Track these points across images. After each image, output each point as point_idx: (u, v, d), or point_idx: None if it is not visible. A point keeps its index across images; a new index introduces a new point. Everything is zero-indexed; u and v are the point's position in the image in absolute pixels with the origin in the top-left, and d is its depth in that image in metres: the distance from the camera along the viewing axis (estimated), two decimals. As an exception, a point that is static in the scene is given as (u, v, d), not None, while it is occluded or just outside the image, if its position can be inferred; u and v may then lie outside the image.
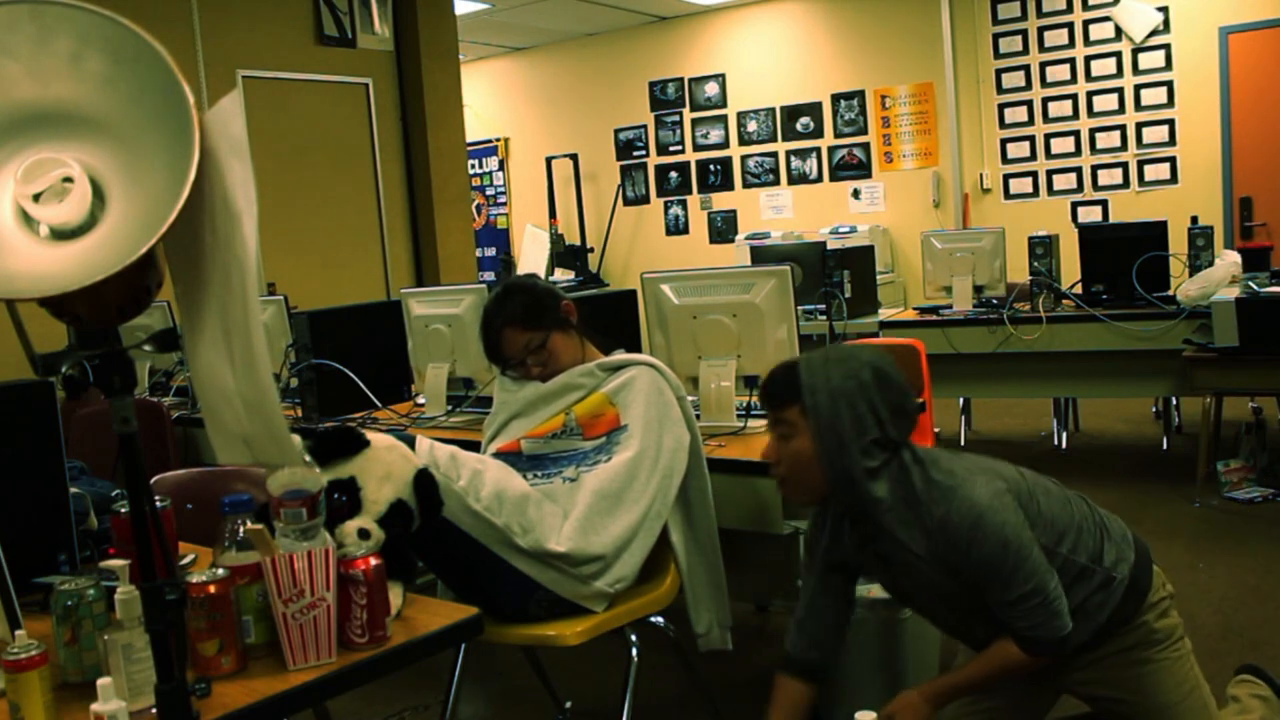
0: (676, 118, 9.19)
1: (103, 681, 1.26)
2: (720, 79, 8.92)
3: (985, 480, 1.79)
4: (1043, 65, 7.51)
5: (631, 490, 2.21)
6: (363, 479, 1.75)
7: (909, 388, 1.87)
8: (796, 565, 2.46)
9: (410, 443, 2.05)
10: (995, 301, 4.77)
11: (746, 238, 8.33)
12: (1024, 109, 7.62)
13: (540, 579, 2.12)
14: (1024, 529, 1.76)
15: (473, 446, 2.39)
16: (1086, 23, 7.31)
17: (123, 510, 1.66)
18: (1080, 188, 7.48)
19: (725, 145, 8.97)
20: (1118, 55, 7.24)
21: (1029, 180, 7.66)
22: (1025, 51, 7.56)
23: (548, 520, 2.15)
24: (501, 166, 10.22)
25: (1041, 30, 7.48)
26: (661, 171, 9.33)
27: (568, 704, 2.85)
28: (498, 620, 2.12)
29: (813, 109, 8.51)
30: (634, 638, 2.27)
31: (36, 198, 1.08)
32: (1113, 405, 6.08)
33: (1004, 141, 7.72)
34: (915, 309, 5.09)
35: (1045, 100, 7.53)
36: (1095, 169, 7.41)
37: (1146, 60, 7.15)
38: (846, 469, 1.80)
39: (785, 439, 1.86)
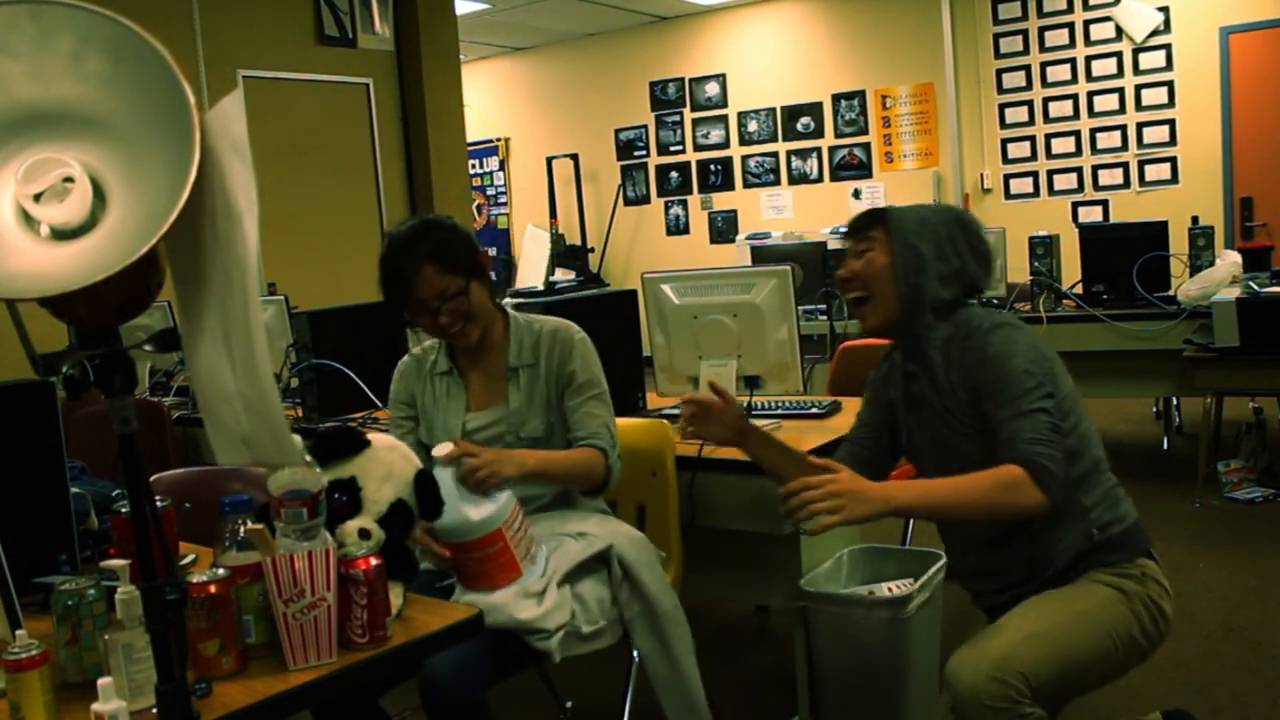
0: (677, 118, 9.19)
1: (103, 681, 1.26)
2: (720, 79, 8.92)
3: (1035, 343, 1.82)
4: (1043, 65, 7.50)
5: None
6: (363, 479, 1.75)
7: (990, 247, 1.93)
8: (797, 566, 2.47)
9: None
10: (996, 301, 4.77)
11: (747, 238, 8.33)
12: (1024, 109, 7.61)
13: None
14: (1049, 376, 1.76)
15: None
16: (1087, 23, 7.31)
17: (123, 510, 1.66)
18: (1081, 188, 7.48)
19: (726, 145, 8.97)
20: (1118, 55, 7.23)
21: (1029, 180, 7.66)
22: (1026, 51, 7.56)
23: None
24: (502, 166, 10.22)
25: (1042, 30, 7.48)
26: (662, 171, 9.33)
27: (568, 704, 2.85)
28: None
29: (813, 109, 8.50)
30: (635, 638, 2.27)
31: (37, 198, 1.08)
32: (1113, 405, 6.07)
33: (1004, 141, 7.72)
34: (915, 309, 5.08)
35: (1046, 100, 7.53)
36: (1096, 169, 7.41)
37: (1147, 60, 7.15)
38: (919, 286, 1.84)
39: (865, 254, 1.90)
